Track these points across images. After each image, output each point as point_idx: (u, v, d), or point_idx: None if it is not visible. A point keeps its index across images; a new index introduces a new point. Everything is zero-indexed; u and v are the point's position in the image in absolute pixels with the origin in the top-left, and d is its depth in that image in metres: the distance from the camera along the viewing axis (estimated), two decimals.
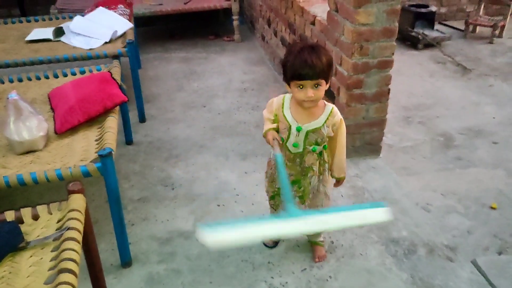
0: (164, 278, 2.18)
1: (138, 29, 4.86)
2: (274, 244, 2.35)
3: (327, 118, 1.90)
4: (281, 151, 1.86)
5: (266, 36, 4.83)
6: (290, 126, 1.89)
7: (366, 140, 3.00)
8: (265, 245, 2.35)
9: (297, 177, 2.03)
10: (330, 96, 3.07)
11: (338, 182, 2.11)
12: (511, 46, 5.53)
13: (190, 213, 2.62)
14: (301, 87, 1.75)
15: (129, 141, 3.31)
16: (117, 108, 2.44)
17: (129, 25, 3.64)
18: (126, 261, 2.24)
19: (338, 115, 1.94)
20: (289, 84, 1.80)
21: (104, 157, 1.95)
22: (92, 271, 1.71)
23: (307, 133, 1.89)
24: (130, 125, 3.30)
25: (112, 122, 2.27)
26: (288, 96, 1.90)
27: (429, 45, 5.55)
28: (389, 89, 2.89)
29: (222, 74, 4.52)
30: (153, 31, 5.77)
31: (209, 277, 2.18)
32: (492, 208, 2.97)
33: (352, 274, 2.20)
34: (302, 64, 1.69)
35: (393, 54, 2.76)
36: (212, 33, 5.63)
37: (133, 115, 3.55)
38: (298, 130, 1.88)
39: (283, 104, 1.91)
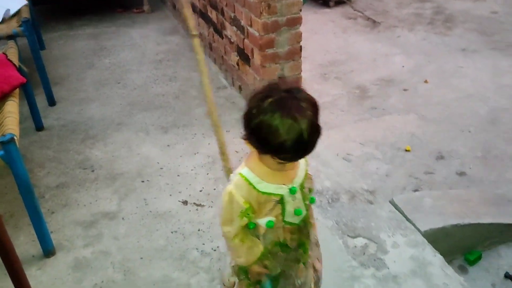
0: (92, 261, 2.11)
1: (37, 7, 4.49)
2: None
3: None
4: (280, 235, 1.40)
5: (177, 4, 4.68)
6: (281, 197, 1.32)
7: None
8: None
9: (302, 240, 1.47)
10: (244, 59, 3.06)
11: None
12: None
13: (113, 193, 2.54)
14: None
15: (39, 127, 3.10)
16: (17, 91, 2.26)
17: (23, 1, 3.36)
18: (48, 250, 2.14)
19: None
20: (260, 151, 1.25)
21: (6, 144, 1.81)
22: (7, 265, 1.60)
23: (301, 188, 1.37)
24: (38, 110, 3.09)
25: (12, 106, 2.10)
26: (245, 172, 1.30)
27: (340, 2, 5.67)
28: (301, 47, 2.92)
29: (134, 48, 4.34)
30: (54, 8, 5.37)
31: (139, 254, 2.14)
32: (406, 150, 3.16)
33: None
34: (297, 145, 1.16)
35: (300, 10, 2.78)
36: (119, 5, 5.36)
37: (40, 99, 3.32)
38: (293, 192, 1.33)
39: (251, 184, 1.29)
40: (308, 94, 1.21)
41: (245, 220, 1.34)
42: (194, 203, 2.43)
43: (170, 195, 2.49)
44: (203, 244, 2.18)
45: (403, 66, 4.25)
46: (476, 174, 2.93)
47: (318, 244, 1.59)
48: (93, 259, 2.13)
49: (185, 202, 2.44)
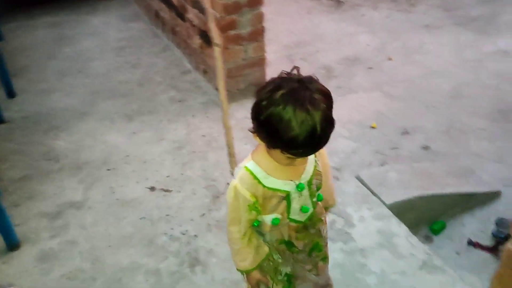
0: (59, 252, 2.08)
1: None
2: None
3: None
4: (284, 233, 1.36)
5: None
6: (288, 193, 1.27)
7: (250, 81, 3.02)
8: None
9: (314, 240, 1.43)
10: (207, 40, 3.02)
11: (326, 209, 1.51)
12: None
13: (79, 182, 2.49)
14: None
15: None
16: None
17: None
18: (13, 244, 2.09)
19: None
20: (269, 145, 1.17)
21: None
22: None
23: (309, 184, 1.31)
24: None
25: None
26: (251, 165, 1.24)
27: None
28: (263, 27, 2.90)
29: (96, 35, 4.23)
30: None
31: (107, 242, 2.12)
32: (372, 127, 3.20)
33: None
34: (309, 139, 1.07)
35: None
36: None
37: None
38: (301, 188, 1.28)
39: (257, 179, 1.23)
40: (321, 85, 1.12)
41: (253, 214, 1.28)
42: (162, 189, 2.42)
43: (137, 182, 2.47)
44: (172, 228, 2.18)
45: (367, 45, 4.28)
46: (440, 147, 3.00)
47: (327, 236, 1.51)
48: (60, 250, 2.09)
49: (152, 188, 2.42)
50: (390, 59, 4.00)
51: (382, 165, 2.83)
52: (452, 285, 1.87)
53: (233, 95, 3.03)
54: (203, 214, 2.25)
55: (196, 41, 3.25)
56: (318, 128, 1.06)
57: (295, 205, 1.30)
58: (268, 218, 1.30)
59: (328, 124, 1.09)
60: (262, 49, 2.94)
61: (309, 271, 1.47)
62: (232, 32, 2.77)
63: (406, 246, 2.04)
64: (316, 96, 1.07)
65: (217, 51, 1.83)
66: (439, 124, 3.19)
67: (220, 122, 2.92)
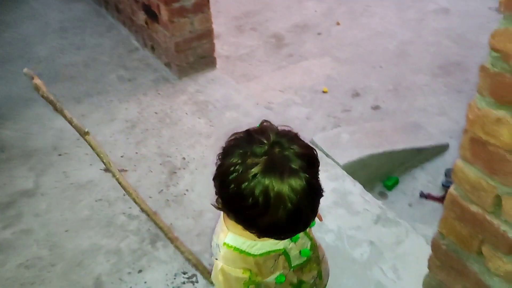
0: (14, 242, 2.02)
1: None
2: None
3: None
4: (290, 280, 1.19)
5: None
6: (283, 250, 1.09)
7: (199, 54, 2.98)
8: None
9: (317, 270, 1.28)
10: (151, 15, 2.94)
11: None
12: None
13: (30, 170, 2.41)
14: None
15: None
16: None
17: None
18: None
19: None
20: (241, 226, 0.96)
21: None
22: None
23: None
24: None
25: None
26: (230, 239, 1.02)
27: None
28: None
29: (36, 18, 4.03)
30: None
31: (64, 227, 2.08)
32: (324, 92, 3.25)
33: (208, 182, 2.26)
34: (292, 222, 0.87)
35: None
36: None
37: None
38: (296, 239, 1.11)
39: (243, 252, 1.03)
40: (302, 144, 0.90)
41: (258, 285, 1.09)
42: (117, 169, 2.37)
43: (91, 164, 2.42)
44: (130, 207, 2.16)
45: (315, 11, 4.30)
46: (389, 106, 3.09)
47: (320, 246, 1.33)
48: (15, 239, 2.04)
49: (107, 170, 2.37)
50: (337, 23, 4.04)
51: (335, 128, 2.90)
52: (406, 236, 1.95)
53: (184, 69, 2.99)
54: (161, 191, 2.24)
55: (141, 17, 3.16)
56: (303, 207, 0.86)
57: (294, 253, 1.12)
58: (271, 279, 1.12)
59: (314, 196, 0.89)
60: (208, 20, 2.89)
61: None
62: (176, 5, 2.71)
63: (361, 202, 2.11)
64: (296, 165, 0.85)
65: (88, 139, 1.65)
66: (386, 83, 3.28)
67: (172, 98, 2.89)
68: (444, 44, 3.65)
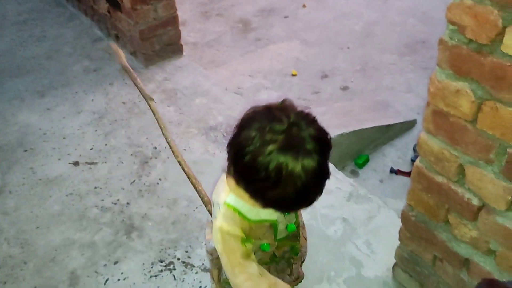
0: None
1: None
2: None
3: None
4: (267, 253, 1.23)
5: None
6: (274, 221, 1.15)
7: (165, 41, 2.94)
8: None
9: (291, 244, 1.29)
10: (113, 4, 2.88)
11: None
12: None
13: None
14: None
15: None
16: None
17: None
18: None
19: None
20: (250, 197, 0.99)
21: None
22: None
23: None
24: None
25: None
26: (232, 200, 1.06)
27: None
28: None
29: None
30: None
31: (34, 223, 2.03)
32: (293, 75, 3.26)
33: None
34: (301, 199, 0.93)
35: None
36: None
37: None
38: (288, 214, 1.18)
39: (241, 215, 1.07)
40: (318, 127, 0.93)
41: (249, 246, 1.11)
42: (86, 162, 2.34)
43: (59, 159, 2.36)
44: (102, 200, 2.13)
45: None
46: (357, 86, 3.12)
47: (304, 226, 1.39)
48: None
49: (76, 163, 2.33)
50: (304, 6, 4.04)
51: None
52: (377, 211, 2.00)
53: (150, 58, 2.94)
54: (133, 181, 2.21)
55: (103, 5, 3.08)
56: (311, 186, 0.90)
57: (281, 226, 1.18)
58: (256, 246, 1.17)
59: (322, 178, 0.93)
60: (172, 7, 2.85)
61: (289, 274, 1.37)
62: None
63: (333, 181, 2.14)
64: (310, 146, 0.89)
65: (152, 106, 1.78)
66: (354, 64, 3.32)
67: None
68: (409, 23, 3.70)
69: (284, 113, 0.91)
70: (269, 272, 1.27)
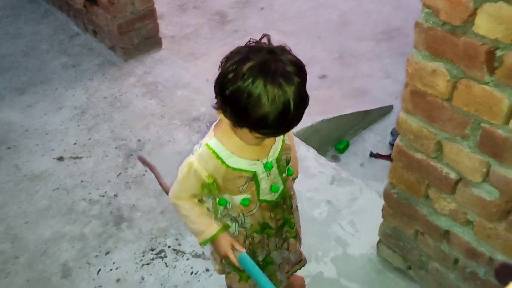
0: None
1: None
2: None
3: None
4: (256, 213, 1.26)
5: None
6: (254, 173, 1.17)
7: (144, 35, 2.94)
8: None
9: (286, 217, 1.35)
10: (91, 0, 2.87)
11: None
12: None
13: None
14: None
15: None
16: None
17: None
18: None
19: None
20: (235, 124, 1.06)
21: None
22: None
23: (278, 161, 1.22)
24: None
25: None
26: (213, 143, 1.12)
27: None
28: None
29: None
30: None
31: (23, 219, 2.04)
32: None
33: (166, 161, 2.28)
34: (281, 119, 0.97)
35: None
36: None
37: None
38: (269, 168, 1.19)
39: (219, 158, 1.12)
40: (294, 56, 1.01)
41: (205, 193, 1.20)
42: (71, 157, 2.34)
43: (43, 155, 2.36)
44: (89, 193, 2.14)
45: None
46: (336, 74, 3.19)
47: (297, 208, 1.44)
48: None
49: (60, 158, 2.34)
50: None
51: None
52: (360, 193, 2.07)
53: (129, 52, 2.94)
54: (119, 174, 2.23)
55: (79, 0, 3.06)
56: (292, 106, 0.95)
57: (264, 185, 1.20)
58: (237, 199, 1.21)
59: (302, 101, 0.98)
60: (149, 0, 2.85)
61: (281, 246, 1.40)
62: None
63: (316, 166, 2.21)
64: (289, 68, 0.97)
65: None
66: (332, 52, 3.38)
67: (120, 81, 2.85)
68: (384, 11, 3.79)
69: (262, 45, 1.01)
70: (268, 247, 1.34)
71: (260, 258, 1.36)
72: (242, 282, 1.40)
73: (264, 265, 1.37)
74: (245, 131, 1.04)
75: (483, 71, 1.07)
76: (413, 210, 1.50)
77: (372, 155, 2.59)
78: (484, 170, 1.21)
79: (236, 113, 1.01)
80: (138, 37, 2.92)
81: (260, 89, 0.94)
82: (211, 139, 1.13)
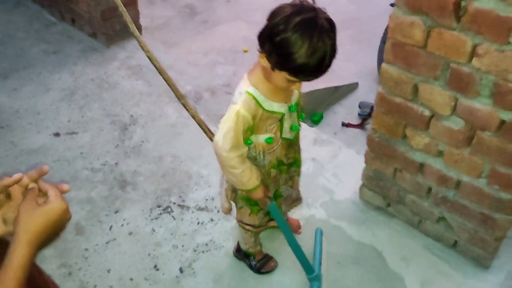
0: None
1: None
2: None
3: None
4: (276, 150, 1.45)
5: None
6: (282, 115, 1.37)
7: (125, 22, 3.08)
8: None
9: (296, 156, 1.59)
10: None
11: None
12: None
13: None
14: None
15: None
16: None
17: None
18: None
19: None
20: (274, 68, 1.21)
21: None
22: None
23: (297, 105, 1.46)
24: None
25: None
26: (252, 90, 1.30)
27: None
28: None
29: None
30: None
31: None
32: (244, 51, 3.54)
33: (160, 132, 2.46)
34: (318, 66, 1.16)
35: None
36: None
37: None
38: (292, 110, 1.41)
39: (258, 103, 1.30)
40: (329, 16, 1.18)
41: (248, 135, 1.35)
42: (67, 133, 2.46)
43: (38, 132, 2.46)
44: (91, 163, 2.28)
45: None
46: None
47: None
48: None
49: (57, 134, 2.45)
50: None
51: None
52: (339, 150, 2.35)
53: (111, 38, 3.08)
54: (117, 145, 2.38)
55: None
56: (328, 57, 1.15)
57: (286, 124, 1.40)
58: (262, 138, 1.39)
59: (334, 53, 1.18)
60: None
61: (286, 183, 1.63)
62: None
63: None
64: (329, 26, 1.15)
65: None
66: None
67: (105, 65, 2.97)
68: (340, 3, 4.13)
69: (307, 4, 1.19)
70: (279, 182, 1.57)
71: (272, 192, 1.59)
72: (252, 215, 1.61)
73: (275, 198, 1.60)
74: (282, 75, 1.21)
75: (451, 19, 1.36)
76: (392, 150, 1.79)
77: (344, 124, 2.88)
78: (453, 103, 1.50)
79: (281, 58, 1.17)
80: (120, 23, 3.06)
81: (307, 41, 1.11)
82: (248, 87, 1.31)
